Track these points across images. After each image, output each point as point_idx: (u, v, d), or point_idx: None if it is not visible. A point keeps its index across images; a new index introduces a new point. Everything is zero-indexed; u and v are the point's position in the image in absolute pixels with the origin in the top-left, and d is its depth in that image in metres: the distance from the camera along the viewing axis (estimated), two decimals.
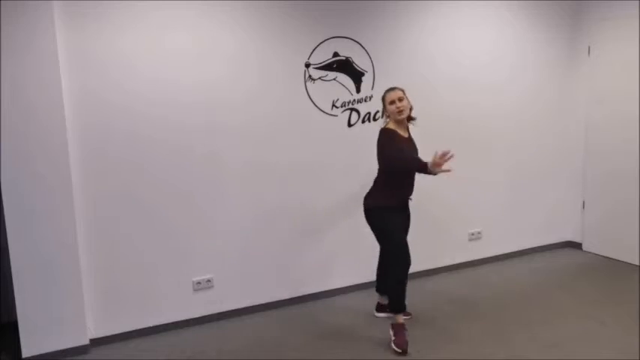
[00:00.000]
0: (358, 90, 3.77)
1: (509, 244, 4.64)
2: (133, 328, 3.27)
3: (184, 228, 3.34)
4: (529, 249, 4.74)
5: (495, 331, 3.17)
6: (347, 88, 3.73)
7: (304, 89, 3.60)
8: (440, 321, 3.34)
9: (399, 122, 2.95)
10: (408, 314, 3.27)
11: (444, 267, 4.31)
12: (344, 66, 3.69)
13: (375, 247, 3.19)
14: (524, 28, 4.41)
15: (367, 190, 3.12)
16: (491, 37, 4.28)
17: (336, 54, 3.65)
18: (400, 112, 2.90)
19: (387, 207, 2.99)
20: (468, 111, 4.23)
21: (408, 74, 3.91)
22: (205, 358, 2.99)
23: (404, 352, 2.90)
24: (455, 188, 4.26)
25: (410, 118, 3.05)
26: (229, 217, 3.46)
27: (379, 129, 3.01)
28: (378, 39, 3.79)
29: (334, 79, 3.67)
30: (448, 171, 2.71)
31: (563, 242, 4.91)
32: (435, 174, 2.74)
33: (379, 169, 3.04)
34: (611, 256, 4.51)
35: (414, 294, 3.40)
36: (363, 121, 3.81)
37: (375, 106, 3.74)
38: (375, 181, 3.07)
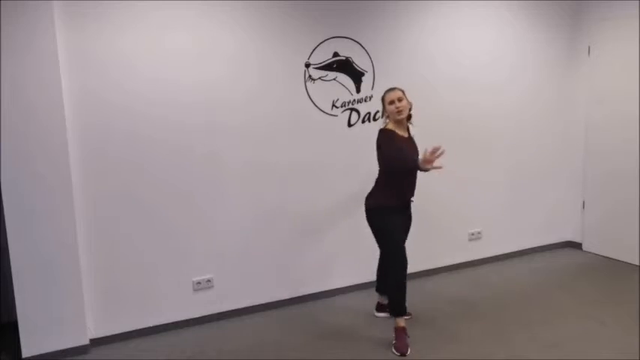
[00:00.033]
0: (358, 90, 3.77)
1: (509, 244, 4.64)
2: (133, 328, 3.27)
3: (184, 228, 3.34)
4: (529, 249, 4.74)
5: (495, 331, 3.17)
6: (347, 88, 3.73)
7: (304, 89, 3.60)
8: (440, 321, 3.34)
9: (398, 122, 2.95)
10: (409, 314, 3.27)
11: (444, 267, 4.31)
12: (344, 66, 3.69)
13: (375, 247, 3.18)
14: (524, 28, 4.41)
15: (368, 191, 3.12)
16: (491, 37, 4.28)
17: (336, 54, 3.65)
18: (399, 112, 2.90)
19: (388, 207, 2.99)
20: (468, 111, 4.24)
21: (408, 74, 3.91)
22: (205, 358, 2.99)
23: (403, 355, 2.90)
24: (455, 188, 4.27)
25: (410, 118, 3.05)
26: (229, 217, 3.46)
27: (378, 129, 3.01)
28: (378, 39, 3.79)
29: (334, 79, 3.68)
30: (439, 168, 2.71)
31: (563, 242, 4.91)
32: (426, 171, 2.78)
33: (379, 170, 3.04)
34: (611, 256, 4.51)
35: (414, 294, 3.40)
36: (363, 121, 3.82)
37: (375, 106, 3.74)
38: (376, 182, 3.08)
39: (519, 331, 3.16)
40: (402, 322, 3.03)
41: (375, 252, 3.27)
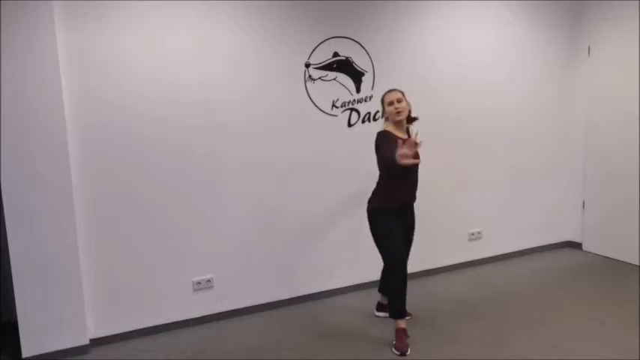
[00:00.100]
0: (358, 90, 3.77)
1: (509, 244, 4.64)
2: (133, 328, 3.27)
3: (184, 228, 3.34)
4: (529, 249, 4.75)
5: (495, 331, 3.17)
6: (347, 88, 3.73)
7: (304, 89, 3.60)
8: (440, 321, 3.34)
9: (397, 124, 2.95)
10: (409, 315, 3.27)
11: (444, 267, 4.32)
12: (344, 66, 3.69)
13: (375, 247, 3.18)
14: (524, 28, 4.41)
15: (368, 191, 3.11)
16: (491, 37, 4.28)
17: (336, 54, 3.65)
18: (398, 113, 2.90)
19: (387, 209, 2.97)
20: (468, 111, 4.24)
21: (408, 74, 3.91)
22: (205, 358, 2.99)
23: (403, 355, 2.91)
24: (455, 188, 4.27)
25: (410, 120, 3.04)
26: (229, 217, 3.46)
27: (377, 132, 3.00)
28: (378, 39, 3.79)
29: (334, 79, 3.68)
30: (417, 161, 2.64)
31: (563, 242, 4.91)
32: (405, 166, 2.64)
33: (379, 172, 3.03)
34: (611, 256, 4.51)
35: (414, 294, 3.40)
36: (363, 121, 3.82)
37: (375, 106, 3.75)
38: (377, 184, 3.06)
39: (519, 331, 3.16)
40: (402, 323, 3.03)
41: (375, 252, 3.26)
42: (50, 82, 2.84)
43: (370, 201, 3.06)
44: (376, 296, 3.54)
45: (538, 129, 4.64)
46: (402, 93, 2.96)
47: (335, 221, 3.82)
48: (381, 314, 3.40)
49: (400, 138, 2.94)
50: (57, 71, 2.85)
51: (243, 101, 3.42)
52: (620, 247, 4.42)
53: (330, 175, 3.75)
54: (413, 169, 2.99)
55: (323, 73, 3.63)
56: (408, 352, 2.91)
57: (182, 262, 3.36)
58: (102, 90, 3.03)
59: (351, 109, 3.77)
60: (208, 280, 3.45)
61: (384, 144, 2.86)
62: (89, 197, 3.07)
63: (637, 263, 4.28)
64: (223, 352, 3.05)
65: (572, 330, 3.16)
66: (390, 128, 2.96)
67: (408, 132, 3.06)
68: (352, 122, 3.79)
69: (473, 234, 4.44)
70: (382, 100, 3.00)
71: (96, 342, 3.17)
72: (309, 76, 3.60)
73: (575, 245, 4.84)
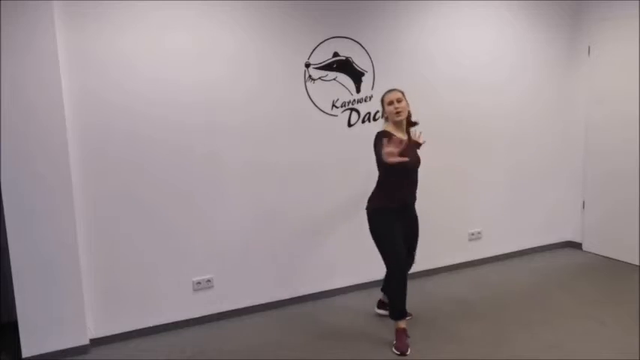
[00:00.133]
0: (358, 90, 3.77)
1: (509, 244, 4.64)
2: (133, 328, 3.27)
3: (184, 228, 3.34)
4: (529, 249, 4.75)
5: (495, 331, 3.17)
6: (347, 88, 3.73)
7: (304, 89, 3.60)
8: (440, 321, 3.34)
9: (397, 124, 2.95)
10: (409, 315, 3.27)
11: (444, 267, 4.32)
12: (344, 66, 3.69)
13: (375, 247, 3.18)
14: (524, 28, 4.41)
15: (368, 191, 3.11)
16: (491, 37, 4.28)
17: (336, 54, 3.65)
18: (398, 113, 2.90)
19: (387, 209, 2.96)
20: (468, 111, 4.24)
21: (408, 74, 3.91)
22: (205, 358, 2.99)
23: (403, 355, 2.91)
24: (455, 188, 4.27)
25: (410, 124, 3.04)
26: (229, 217, 3.46)
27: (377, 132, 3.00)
28: (378, 39, 3.79)
29: (334, 79, 3.68)
30: (403, 159, 2.64)
31: (563, 242, 4.91)
32: (391, 164, 2.66)
33: (379, 173, 3.03)
34: (611, 256, 4.51)
35: (414, 294, 3.40)
36: (363, 121, 3.82)
37: (375, 106, 3.74)
38: (376, 184, 3.06)
39: (519, 331, 3.16)
40: (402, 322, 3.03)
41: (375, 252, 3.26)
42: (50, 82, 2.84)
43: (370, 201, 3.06)
44: (376, 296, 3.54)
45: (538, 129, 4.64)
46: (402, 93, 2.96)
47: (335, 221, 3.82)
48: (381, 312, 3.40)
49: (399, 138, 2.94)
50: (57, 71, 2.85)
51: (243, 101, 3.42)
52: (620, 247, 4.41)
53: (330, 175, 3.75)
54: (413, 169, 2.99)
55: (323, 73, 3.63)
56: (408, 352, 2.91)
57: (182, 262, 3.36)
58: (102, 90, 3.03)
59: (351, 109, 3.77)
60: (208, 280, 3.45)
61: (381, 144, 2.85)
62: (89, 197, 3.07)
63: (637, 263, 4.28)
64: (223, 352, 3.05)
65: (572, 330, 3.16)
66: (390, 128, 2.95)
67: (408, 132, 3.06)
68: (352, 122, 3.79)
69: (473, 234, 4.44)
70: (382, 100, 3.00)
71: (96, 342, 3.16)
72: (309, 76, 3.60)
73: (575, 245, 4.84)
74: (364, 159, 3.43)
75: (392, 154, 2.61)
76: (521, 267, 4.41)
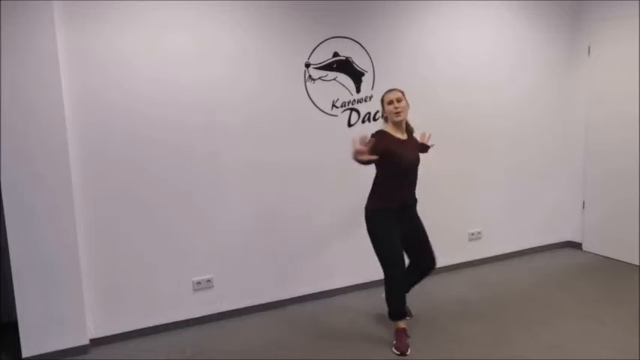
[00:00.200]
0: (358, 90, 3.77)
1: (509, 244, 4.64)
2: (133, 328, 3.27)
3: (184, 228, 3.34)
4: (529, 249, 4.75)
5: (495, 331, 3.17)
6: (347, 88, 3.73)
7: (304, 89, 3.60)
8: (440, 321, 3.34)
9: (396, 124, 2.94)
10: (410, 314, 3.27)
11: (444, 267, 4.31)
12: (344, 66, 3.69)
13: None
14: (524, 28, 4.41)
15: (367, 191, 3.11)
16: (491, 37, 4.28)
17: (336, 54, 3.65)
18: (398, 113, 2.89)
19: (384, 210, 2.95)
20: (468, 111, 4.24)
21: (408, 74, 3.91)
22: (205, 358, 2.99)
23: (403, 355, 2.91)
24: (455, 188, 4.27)
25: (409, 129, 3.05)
26: (229, 217, 3.46)
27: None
28: (378, 39, 3.79)
29: (334, 79, 3.68)
30: (372, 159, 2.62)
31: (563, 242, 4.91)
32: (360, 163, 2.64)
33: (376, 172, 3.02)
34: (611, 256, 4.51)
35: (414, 294, 3.39)
36: (363, 121, 3.82)
37: (375, 106, 3.75)
38: (373, 184, 3.05)
39: (519, 331, 3.16)
40: (402, 322, 3.03)
41: None
42: (50, 82, 2.84)
43: (368, 201, 3.06)
44: (376, 296, 3.54)
45: (538, 129, 4.64)
46: (402, 93, 2.96)
47: (335, 221, 3.82)
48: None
49: (398, 139, 2.94)
50: (57, 71, 2.85)
51: (243, 101, 3.42)
52: (620, 247, 4.41)
53: (330, 175, 3.75)
54: (412, 170, 2.99)
55: (323, 73, 3.63)
56: (408, 352, 2.91)
57: (182, 262, 3.36)
58: (102, 90, 3.03)
59: (351, 109, 3.77)
60: (208, 280, 3.45)
61: (374, 140, 2.85)
62: (89, 197, 3.07)
63: (637, 263, 4.28)
64: (223, 352, 3.05)
65: (572, 330, 3.16)
66: (389, 129, 2.95)
67: (408, 133, 3.05)
68: (352, 122, 3.79)
69: (473, 234, 4.44)
70: (382, 100, 3.00)
71: (96, 342, 3.17)
72: (309, 76, 3.60)
73: (575, 245, 4.84)
74: None
75: (360, 152, 2.58)
76: (521, 267, 4.41)
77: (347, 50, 3.68)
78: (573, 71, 4.69)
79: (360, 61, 3.74)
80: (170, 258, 3.33)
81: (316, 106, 3.65)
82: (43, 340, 2.97)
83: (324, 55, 3.62)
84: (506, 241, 4.62)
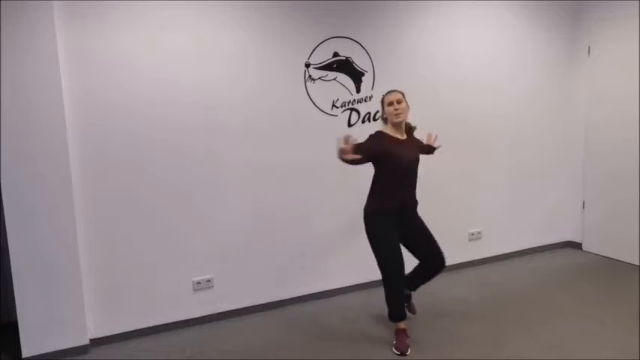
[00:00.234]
0: (358, 90, 3.77)
1: (509, 244, 4.64)
2: (133, 328, 3.27)
3: (184, 228, 3.34)
4: (529, 249, 4.75)
5: (495, 331, 3.17)
6: (347, 88, 3.73)
7: (304, 89, 3.60)
8: (440, 321, 3.34)
9: (396, 125, 2.94)
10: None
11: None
12: (344, 66, 3.69)
13: None
14: (524, 28, 4.41)
15: (367, 191, 3.11)
16: (491, 37, 4.28)
17: (336, 54, 3.65)
18: (397, 114, 2.89)
19: (383, 210, 2.94)
20: (467, 111, 4.24)
21: (408, 74, 3.91)
22: (205, 358, 2.99)
23: (403, 355, 2.91)
24: (455, 188, 4.27)
25: (409, 128, 3.05)
26: (229, 217, 3.46)
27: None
28: (378, 39, 3.79)
29: (334, 79, 3.68)
30: (355, 158, 2.61)
31: (563, 242, 4.91)
32: (345, 162, 2.64)
33: (374, 172, 3.01)
34: (611, 256, 4.51)
35: (414, 294, 3.39)
36: (363, 121, 3.82)
37: (375, 106, 3.75)
38: (371, 184, 3.04)
39: (519, 331, 3.16)
40: (402, 323, 3.03)
41: None
42: (50, 82, 2.84)
43: (366, 202, 3.05)
44: (376, 296, 3.54)
45: (538, 129, 4.64)
46: (403, 94, 2.96)
47: (335, 221, 3.82)
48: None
49: (397, 139, 2.94)
50: (57, 71, 2.85)
51: (243, 101, 3.42)
52: (620, 247, 4.41)
53: (330, 175, 3.75)
54: (412, 169, 2.99)
55: (323, 73, 3.63)
56: (408, 352, 2.91)
57: (182, 262, 3.36)
58: (102, 90, 3.03)
59: (351, 109, 3.77)
60: (208, 280, 3.45)
61: (368, 140, 2.85)
62: (89, 197, 3.07)
63: (637, 263, 4.28)
64: (223, 352, 3.05)
65: (572, 330, 3.16)
66: (388, 130, 2.95)
67: (407, 133, 3.05)
68: (352, 122, 3.79)
69: (473, 234, 4.44)
70: (382, 101, 3.00)
71: (96, 342, 3.16)
72: (309, 76, 3.60)
73: (575, 245, 4.84)
74: None
75: (345, 151, 2.58)
76: (521, 267, 4.41)
77: (347, 50, 3.68)
78: (573, 71, 4.69)
79: (360, 61, 3.74)
80: (170, 258, 3.33)
81: (316, 106, 3.65)
82: (43, 340, 2.97)
83: (324, 55, 3.62)
84: (506, 241, 4.62)
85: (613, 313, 3.37)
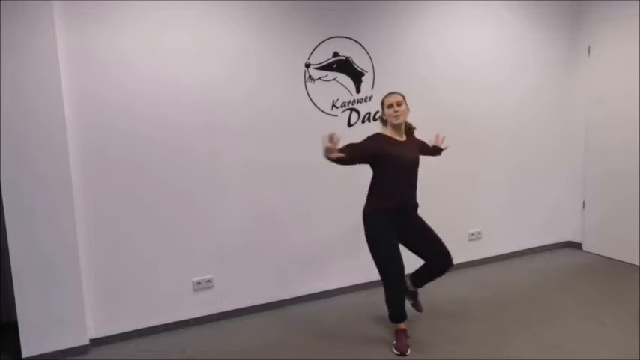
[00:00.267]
0: (358, 90, 3.77)
1: (509, 244, 4.64)
2: (133, 328, 3.27)
3: (184, 228, 3.34)
4: (529, 249, 4.75)
5: (495, 331, 3.17)
6: (347, 88, 3.73)
7: (304, 89, 3.60)
8: (440, 321, 3.34)
9: (395, 127, 2.94)
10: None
11: None
12: (344, 66, 3.69)
13: None
14: (524, 28, 4.41)
15: (367, 191, 3.11)
16: (491, 37, 4.28)
17: (336, 54, 3.65)
18: (397, 116, 2.89)
19: (382, 211, 2.93)
20: (467, 111, 4.24)
21: (408, 74, 3.91)
22: (205, 358, 2.99)
23: (403, 355, 2.91)
24: (455, 188, 4.27)
25: (409, 129, 3.05)
26: (229, 217, 3.46)
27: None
28: (378, 39, 3.79)
29: (334, 79, 3.68)
30: (341, 156, 2.62)
31: (563, 242, 4.91)
32: (331, 161, 2.65)
33: (373, 173, 3.01)
34: (611, 256, 4.51)
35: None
36: (363, 121, 3.82)
37: (375, 106, 3.74)
38: (370, 184, 3.03)
39: (519, 331, 3.16)
40: (402, 323, 3.02)
41: None
42: (50, 82, 2.84)
43: (365, 204, 3.04)
44: (376, 296, 3.54)
45: (538, 129, 4.64)
46: (403, 97, 2.95)
47: (335, 221, 3.82)
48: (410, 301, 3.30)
49: (396, 140, 2.94)
50: (57, 71, 2.85)
51: (243, 101, 3.42)
52: (620, 247, 4.41)
53: (330, 175, 3.75)
54: (412, 170, 2.98)
55: (323, 73, 3.63)
56: (408, 352, 2.91)
57: (182, 262, 3.36)
58: (102, 90, 3.03)
59: (351, 109, 3.77)
60: (208, 280, 3.45)
61: (365, 141, 2.85)
62: (89, 197, 3.07)
63: (637, 263, 4.28)
64: (223, 352, 3.05)
65: (572, 330, 3.15)
66: (387, 132, 2.95)
67: (407, 134, 3.05)
68: (352, 122, 3.79)
69: (473, 234, 4.44)
70: (382, 102, 2.99)
71: (96, 342, 3.16)
72: (309, 76, 3.60)
73: (575, 245, 4.84)
74: None
75: (330, 150, 2.59)
76: (521, 267, 4.41)
77: (347, 50, 3.68)
78: (573, 71, 4.69)
79: (360, 61, 3.74)
80: (170, 258, 3.33)
81: (316, 106, 3.65)
82: (43, 340, 2.97)
83: (324, 55, 3.62)
84: (506, 241, 4.62)
85: (613, 313, 3.37)
